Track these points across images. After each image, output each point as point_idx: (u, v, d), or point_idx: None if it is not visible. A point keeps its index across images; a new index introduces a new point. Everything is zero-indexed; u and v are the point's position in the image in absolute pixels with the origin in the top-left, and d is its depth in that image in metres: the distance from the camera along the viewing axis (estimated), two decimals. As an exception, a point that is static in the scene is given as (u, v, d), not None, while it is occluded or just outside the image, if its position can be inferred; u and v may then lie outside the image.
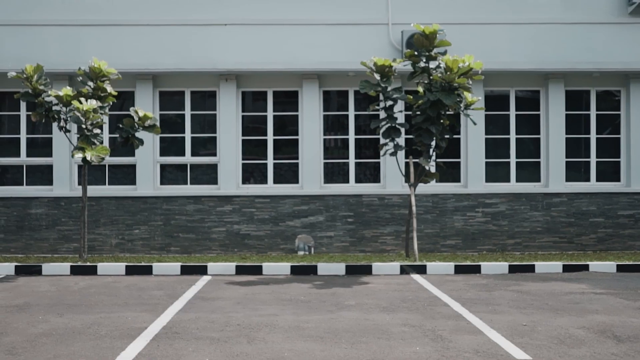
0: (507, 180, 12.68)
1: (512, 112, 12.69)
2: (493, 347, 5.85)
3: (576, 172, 12.69)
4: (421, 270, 10.41)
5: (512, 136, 12.67)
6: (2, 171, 12.59)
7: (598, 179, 12.72)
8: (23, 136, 12.55)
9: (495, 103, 12.66)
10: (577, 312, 7.31)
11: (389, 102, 10.84)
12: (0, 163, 12.53)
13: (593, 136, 12.73)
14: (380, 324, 6.75)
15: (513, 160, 12.68)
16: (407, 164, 11.56)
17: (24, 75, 10.54)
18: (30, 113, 11.78)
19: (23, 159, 12.54)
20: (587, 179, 12.73)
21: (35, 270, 10.45)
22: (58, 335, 6.34)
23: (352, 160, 12.66)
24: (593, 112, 12.77)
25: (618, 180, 12.78)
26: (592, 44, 12.33)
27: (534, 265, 10.56)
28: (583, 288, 9.00)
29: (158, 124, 11.36)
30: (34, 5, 12.24)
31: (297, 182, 12.58)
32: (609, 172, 12.76)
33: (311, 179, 12.36)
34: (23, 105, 12.35)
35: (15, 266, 10.54)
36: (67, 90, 10.52)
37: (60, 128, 10.92)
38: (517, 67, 12.31)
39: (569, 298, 8.23)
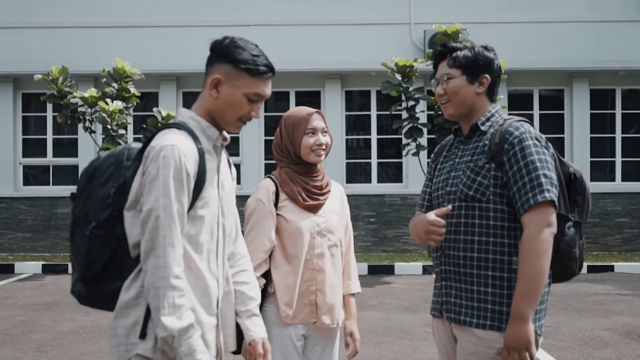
0: (531, 180, 12.58)
1: (536, 112, 12.61)
2: (516, 348, 5.82)
3: (601, 171, 12.56)
4: (444, 270, 10.38)
5: (536, 136, 12.57)
6: (29, 171, 12.79)
7: (623, 179, 12.58)
8: (49, 137, 12.74)
9: (519, 102, 12.58)
10: (601, 314, 7.25)
11: (411, 102, 10.81)
12: (27, 163, 12.73)
13: (618, 135, 12.60)
14: (403, 324, 6.76)
15: (537, 159, 12.58)
16: (429, 164, 11.53)
17: (50, 78, 10.68)
18: (56, 114, 11.95)
19: (49, 159, 12.73)
20: (613, 179, 12.60)
21: (62, 269, 10.60)
22: (85, 333, 6.44)
23: (374, 160, 12.67)
24: (618, 111, 12.64)
25: (644, 180, 12.62)
26: (617, 42, 12.19)
27: (558, 265, 10.47)
28: (608, 289, 8.92)
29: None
30: (59, 8, 12.41)
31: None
32: (635, 171, 12.61)
33: (333, 178, 12.25)
34: (49, 106, 12.53)
35: (42, 265, 10.71)
36: (92, 92, 10.65)
37: (86, 129, 11.05)
38: (541, 66, 12.23)
39: (593, 299, 8.16)
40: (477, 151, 2.39)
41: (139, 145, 2.14)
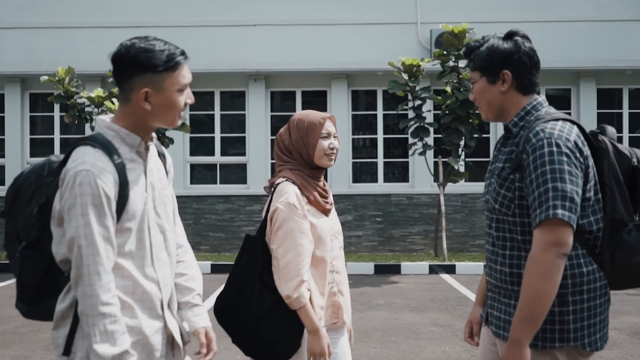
0: (538, 179, 12.56)
1: (543, 111, 12.58)
2: (523, 347, 5.81)
3: (608, 171, 12.52)
4: (450, 270, 10.38)
5: (543, 135, 12.55)
6: (36, 171, 12.83)
7: (631, 178, 12.55)
8: (57, 137, 12.79)
9: (525, 102, 12.55)
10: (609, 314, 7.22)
11: (418, 102, 10.81)
12: (35, 163, 12.77)
13: (625, 135, 12.56)
14: (410, 324, 6.76)
15: (543, 159, 12.56)
16: (435, 164, 11.52)
17: (56, 78, 10.71)
18: (63, 114, 12.00)
19: (56, 159, 12.76)
20: (620, 178, 12.55)
21: (69, 269, 10.62)
22: (92, 332, 6.45)
23: (380, 160, 12.67)
24: (625, 111, 12.61)
25: (651, 179, 12.59)
26: (624, 42, 12.16)
27: (565, 265, 10.44)
28: (615, 289, 8.89)
29: (188, 122, 11.48)
30: (66, 8, 12.45)
31: (325, 181, 12.60)
32: (642, 171, 12.58)
33: (340, 178, 12.38)
34: (56, 106, 12.58)
35: (50, 264, 10.73)
36: (98, 92, 10.68)
37: (93, 128, 11.07)
38: (547, 66, 12.05)
39: (600, 299, 8.13)
40: (508, 157, 2.23)
41: (60, 157, 2.10)
